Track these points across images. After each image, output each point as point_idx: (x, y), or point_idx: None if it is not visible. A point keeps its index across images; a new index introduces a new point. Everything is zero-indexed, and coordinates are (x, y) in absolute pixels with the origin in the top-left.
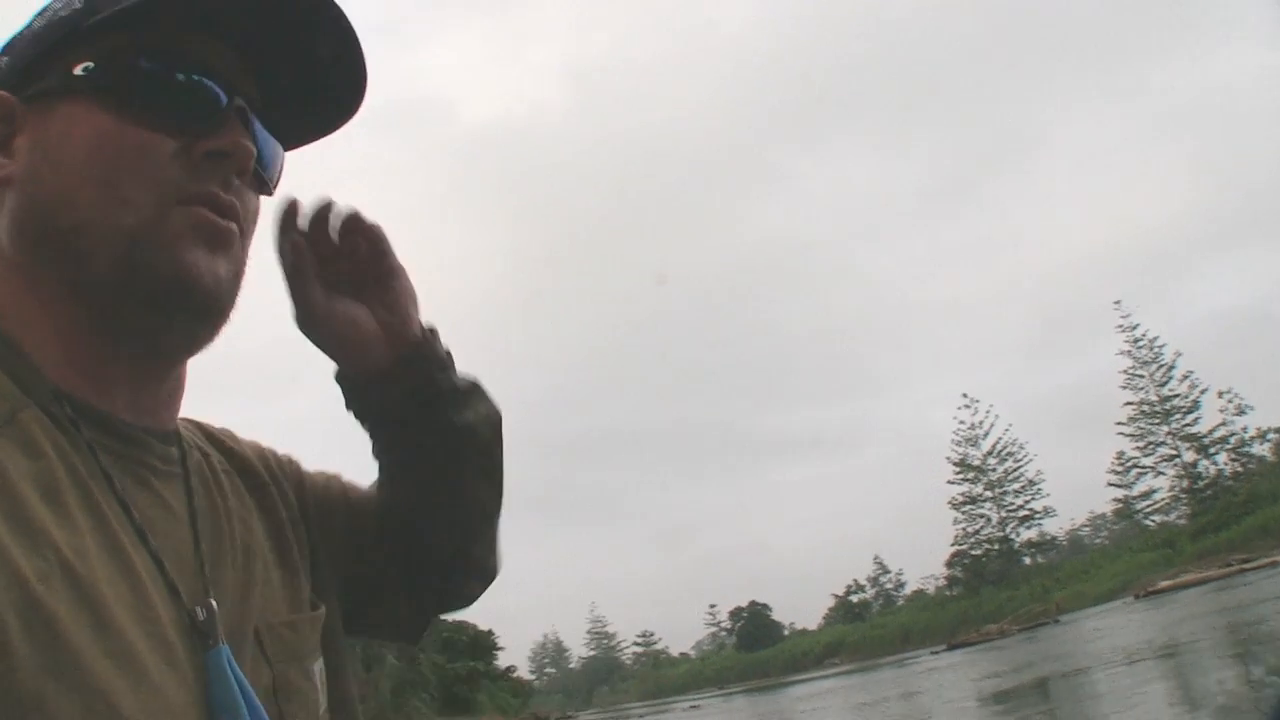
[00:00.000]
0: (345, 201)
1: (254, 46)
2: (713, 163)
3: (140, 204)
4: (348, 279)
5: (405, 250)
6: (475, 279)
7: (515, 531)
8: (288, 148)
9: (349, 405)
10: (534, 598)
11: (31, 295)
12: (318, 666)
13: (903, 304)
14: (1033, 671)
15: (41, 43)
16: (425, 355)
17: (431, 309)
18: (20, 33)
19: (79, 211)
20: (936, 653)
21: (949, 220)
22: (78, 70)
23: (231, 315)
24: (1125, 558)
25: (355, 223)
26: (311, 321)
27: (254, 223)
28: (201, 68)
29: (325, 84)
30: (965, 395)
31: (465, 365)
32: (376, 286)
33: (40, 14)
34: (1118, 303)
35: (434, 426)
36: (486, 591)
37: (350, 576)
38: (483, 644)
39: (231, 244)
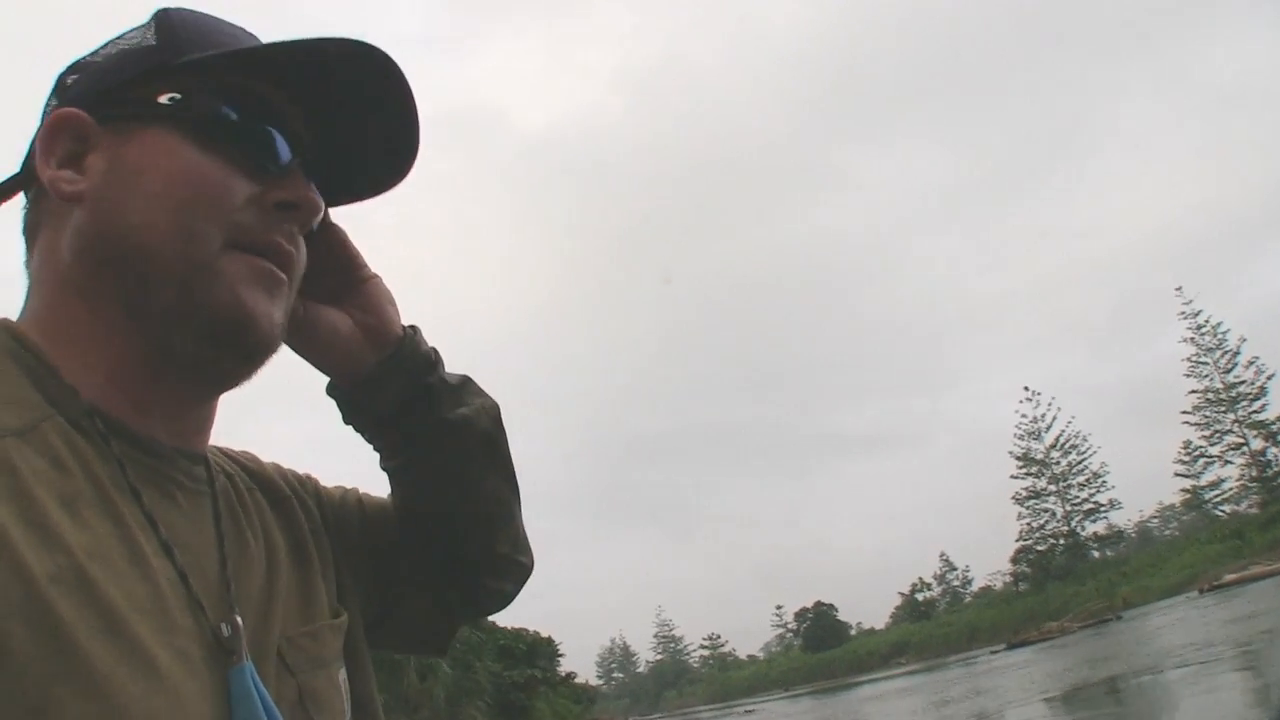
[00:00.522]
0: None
1: (319, 107)
2: (770, 160)
3: (211, 240)
4: (323, 287)
5: (457, 259)
6: (536, 283)
7: (583, 535)
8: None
9: (346, 418)
10: (601, 602)
11: (85, 313)
12: (341, 674)
13: (965, 297)
14: (1089, 672)
15: (122, 71)
16: (408, 354)
17: (489, 316)
18: (90, 56)
19: (152, 238)
20: (996, 652)
21: (1009, 210)
22: (163, 99)
23: (274, 358)
24: (1193, 550)
25: (331, 230)
26: (292, 332)
27: (301, 272)
28: (278, 119)
29: (375, 157)
30: (1027, 388)
31: (526, 373)
32: (352, 291)
33: (112, 42)
34: (1179, 289)
35: (429, 425)
36: (522, 588)
37: (373, 587)
38: (541, 651)
39: (285, 292)
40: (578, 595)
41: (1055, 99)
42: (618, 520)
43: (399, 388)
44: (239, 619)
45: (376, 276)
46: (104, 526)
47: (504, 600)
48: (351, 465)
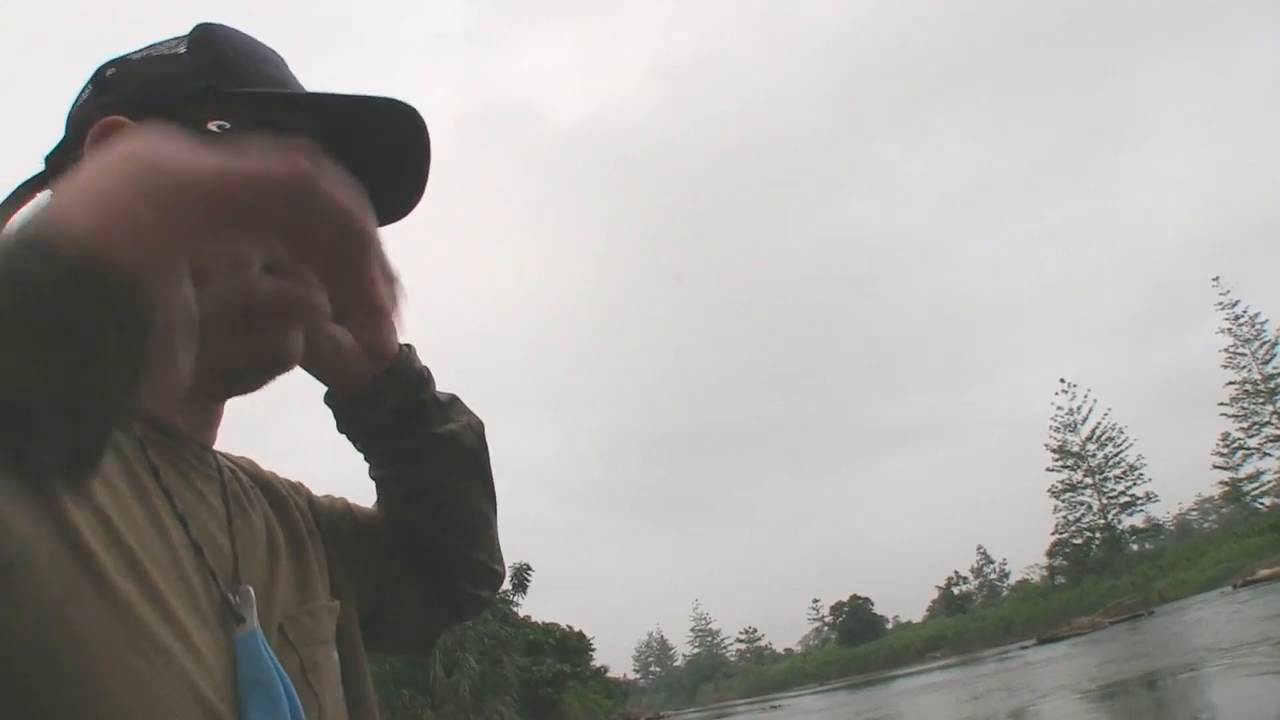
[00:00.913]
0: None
1: (346, 151)
2: (806, 153)
3: (256, 265)
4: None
5: (492, 254)
6: (573, 279)
7: (621, 530)
8: None
9: (340, 427)
10: (638, 596)
11: None
12: (334, 654)
13: (1003, 290)
14: (1113, 670)
15: (169, 86)
16: (404, 370)
17: (526, 311)
18: (132, 56)
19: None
20: (1026, 647)
21: (1047, 202)
22: (212, 126)
23: None
24: (1230, 543)
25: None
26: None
27: None
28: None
29: (383, 197)
30: (1062, 380)
31: (564, 368)
32: (355, 309)
33: (154, 47)
34: (1216, 279)
35: (420, 437)
36: (496, 594)
37: (363, 588)
38: (571, 645)
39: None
40: (615, 589)
41: (1094, 89)
42: (656, 515)
43: (395, 401)
44: (250, 589)
45: (377, 289)
46: (128, 491)
47: (480, 606)
48: (345, 464)
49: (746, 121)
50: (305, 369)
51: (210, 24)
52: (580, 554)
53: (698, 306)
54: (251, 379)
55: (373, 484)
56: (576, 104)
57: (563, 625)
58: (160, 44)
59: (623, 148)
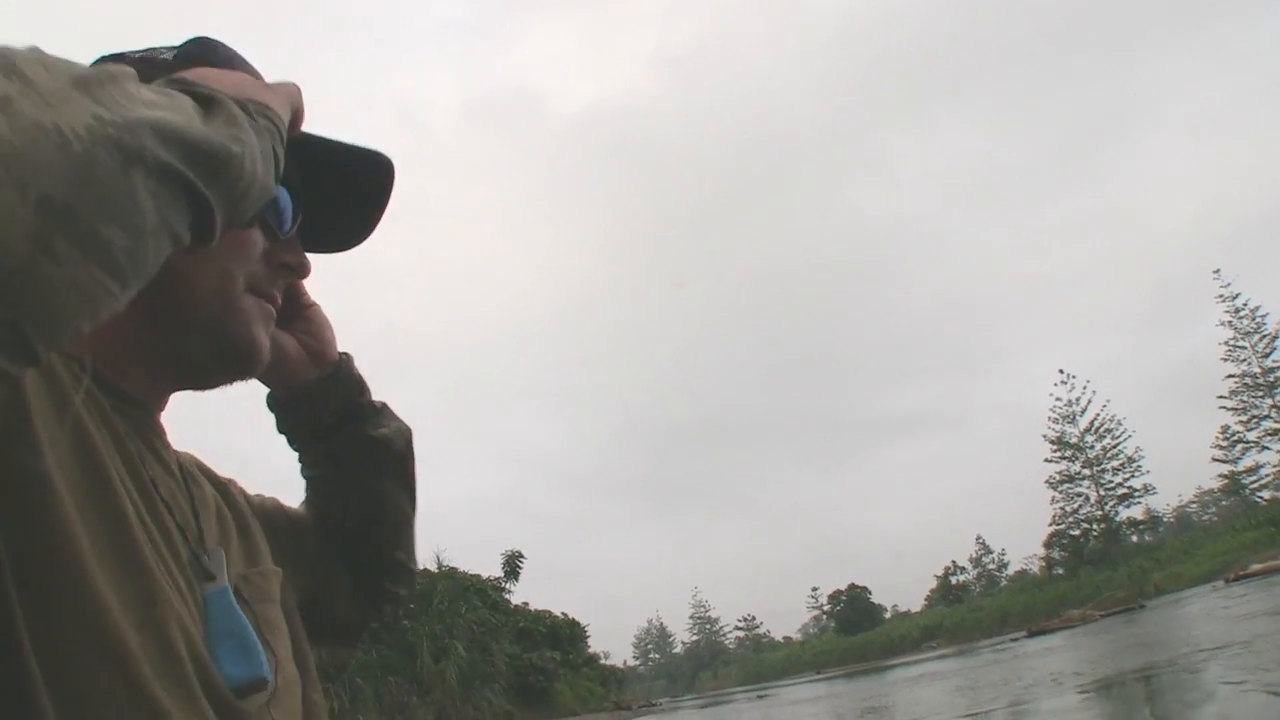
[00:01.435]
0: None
1: (319, 187)
2: (812, 142)
3: (239, 283)
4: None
5: (496, 243)
6: (576, 268)
7: (621, 518)
8: None
9: (280, 427)
10: (639, 584)
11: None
12: (282, 615)
13: (1005, 281)
14: (1088, 667)
15: None
16: (345, 376)
17: (530, 299)
18: (126, 55)
19: (194, 272)
20: (1016, 639)
21: (1051, 194)
22: None
23: None
24: (1228, 537)
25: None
26: None
27: None
28: (292, 186)
29: (337, 229)
30: (1061, 371)
31: (566, 357)
32: (297, 317)
33: (153, 52)
34: (1217, 272)
35: (355, 440)
36: (410, 594)
37: (297, 580)
38: (563, 633)
39: (271, 329)
40: (616, 576)
41: (1100, 82)
42: (657, 502)
43: (335, 404)
44: (221, 550)
45: (316, 304)
46: (108, 445)
47: (398, 603)
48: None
49: (751, 109)
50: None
51: (205, 38)
52: (582, 541)
53: (701, 296)
54: (222, 373)
55: (304, 482)
56: (580, 92)
57: (556, 613)
58: (159, 48)
59: (627, 135)
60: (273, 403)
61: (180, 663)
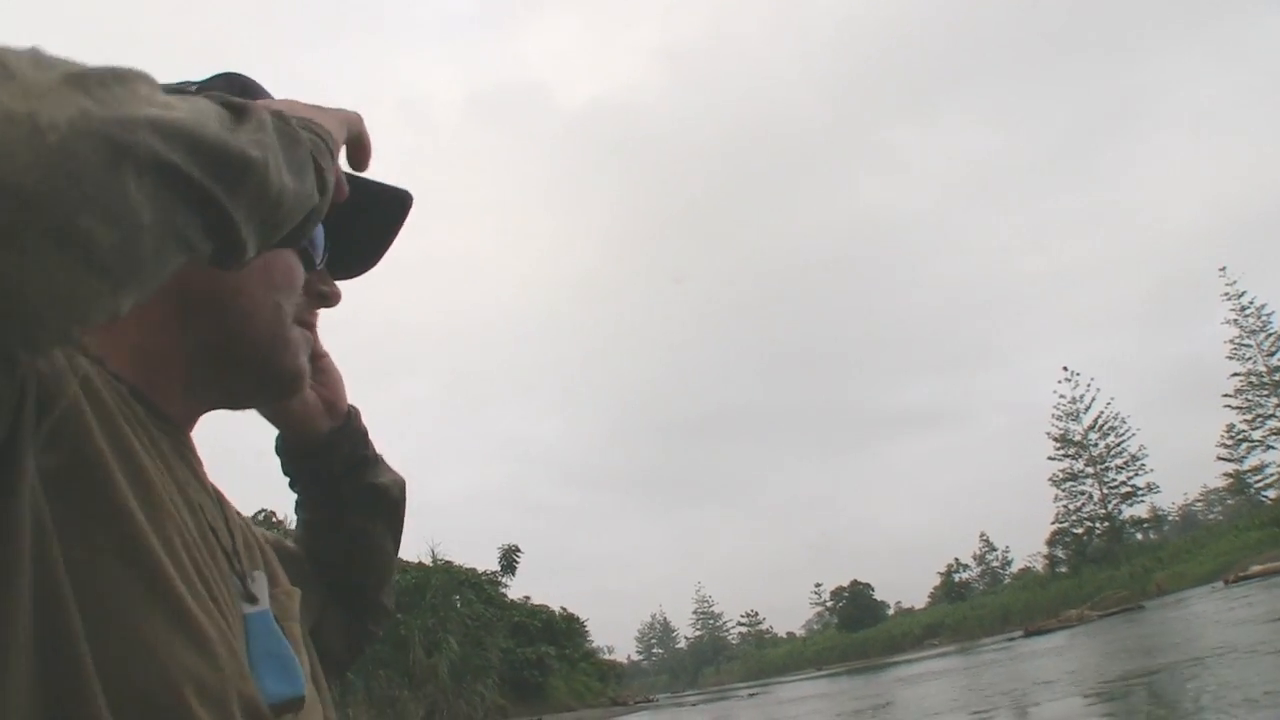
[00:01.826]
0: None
1: (341, 221)
2: (816, 137)
3: (288, 315)
4: None
5: (500, 235)
6: (580, 261)
7: (625, 513)
8: None
9: (285, 470)
10: (643, 578)
11: (156, 336)
12: (304, 633)
13: (1011, 277)
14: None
15: None
16: (354, 429)
17: (532, 291)
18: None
19: (251, 305)
20: (1013, 639)
21: (1056, 191)
22: None
23: None
24: (1231, 536)
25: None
26: None
27: None
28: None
29: (348, 260)
30: (1065, 368)
31: (570, 350)
32: (314, 369)
33: (180, 85)
34: (1223, 269)
35: (358, 488)
36: (381, 635)
37: (304, 608)
38: (559, 628)
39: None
40: (620, 571)
41: (1107, 78)
42: (662, 497)
43: (345, 454)
44: (262, 573)
45: (328, 355)
46: (158, 467)
47: (372, 640)
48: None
49: (753, 104)
50: (266, 417)
51: (234, 73)
52: (587, 536)
53: (704, 292)
54: (257, 397)
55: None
56: (582, 86)
57: (554, 608)
58: (187, 83)
59: (629, 129)
60: (281, 447)
61: (224, 680)
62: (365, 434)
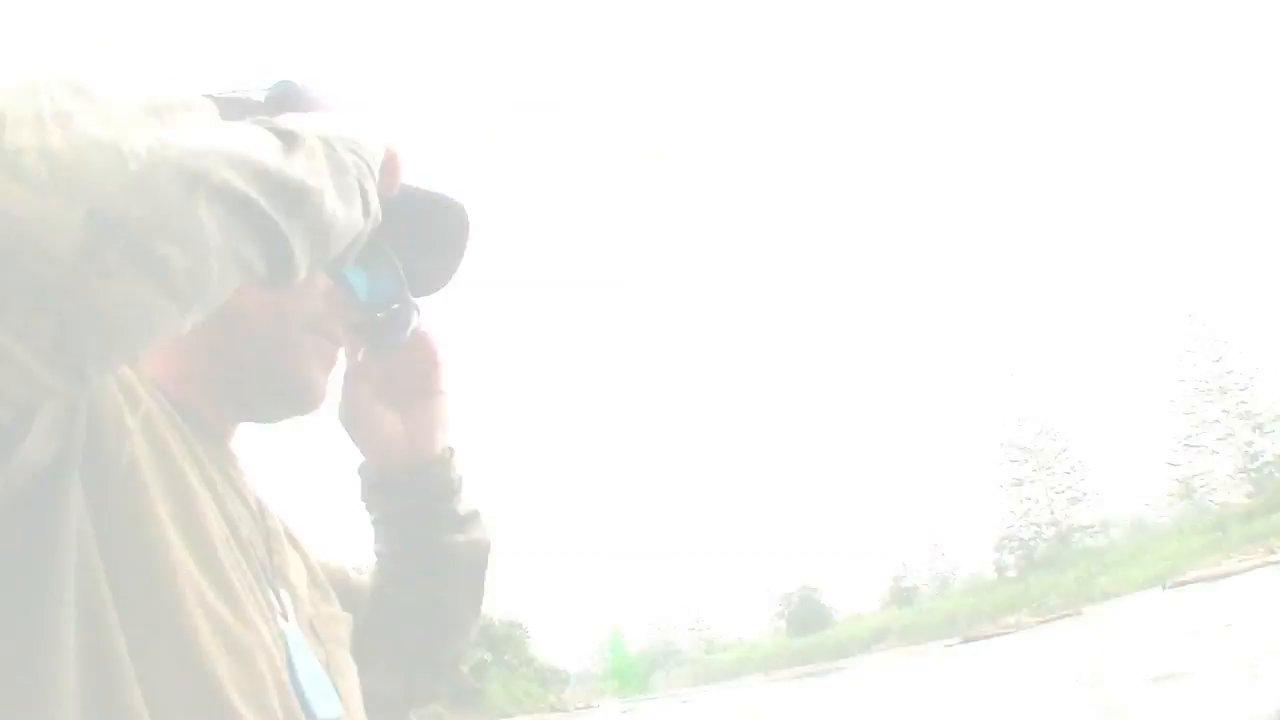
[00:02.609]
0: (423, 317)
1: (399, 231)
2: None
3: (295, 319)
4: (398, 385)
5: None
6: None
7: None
8: None
9: (362, 496)
10: (594, 582)
11: (182, 349)
12: (351, 660)
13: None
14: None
15: None
16: (437, 477)
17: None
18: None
19: (251, 306)
20: (950, 645)
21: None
22: None
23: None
24: (1175, 541)
25: (422, 341)
26: (351, 416)
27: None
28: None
29: (422, 273)
30: (1010, 371)
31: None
32: (417, 403)
33: (239, 93)
34: (1173, 275)
35: (425, 541)
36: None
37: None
38: (497, 633)
39: (332, 368)
40: (571, 575)
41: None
42: (605, 495)
43: (413, 499)
44: (291, 593)
45: (443, 394)
46: (196, 474)
47: (433, 699)
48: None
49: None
50: (351, 438)
51: (292, 81)
52: (536, 537)
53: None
54: (276, 410)
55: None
56: None
57: (490, 615)
58: (249, 90)
59: None
60: (363, 472)
61: (267, 693)
62: (454, 485)
